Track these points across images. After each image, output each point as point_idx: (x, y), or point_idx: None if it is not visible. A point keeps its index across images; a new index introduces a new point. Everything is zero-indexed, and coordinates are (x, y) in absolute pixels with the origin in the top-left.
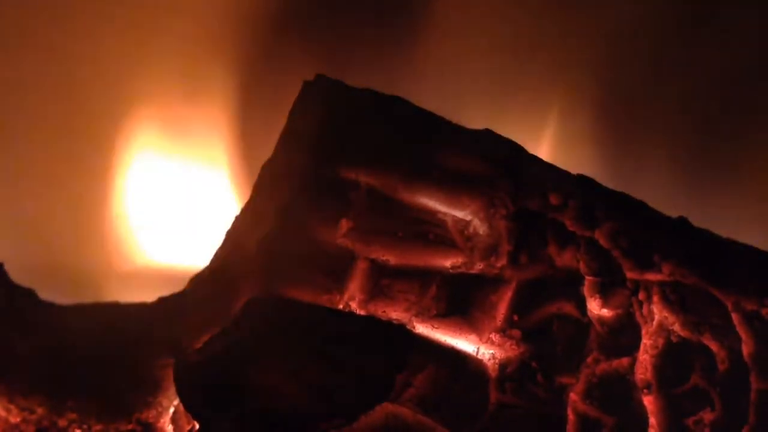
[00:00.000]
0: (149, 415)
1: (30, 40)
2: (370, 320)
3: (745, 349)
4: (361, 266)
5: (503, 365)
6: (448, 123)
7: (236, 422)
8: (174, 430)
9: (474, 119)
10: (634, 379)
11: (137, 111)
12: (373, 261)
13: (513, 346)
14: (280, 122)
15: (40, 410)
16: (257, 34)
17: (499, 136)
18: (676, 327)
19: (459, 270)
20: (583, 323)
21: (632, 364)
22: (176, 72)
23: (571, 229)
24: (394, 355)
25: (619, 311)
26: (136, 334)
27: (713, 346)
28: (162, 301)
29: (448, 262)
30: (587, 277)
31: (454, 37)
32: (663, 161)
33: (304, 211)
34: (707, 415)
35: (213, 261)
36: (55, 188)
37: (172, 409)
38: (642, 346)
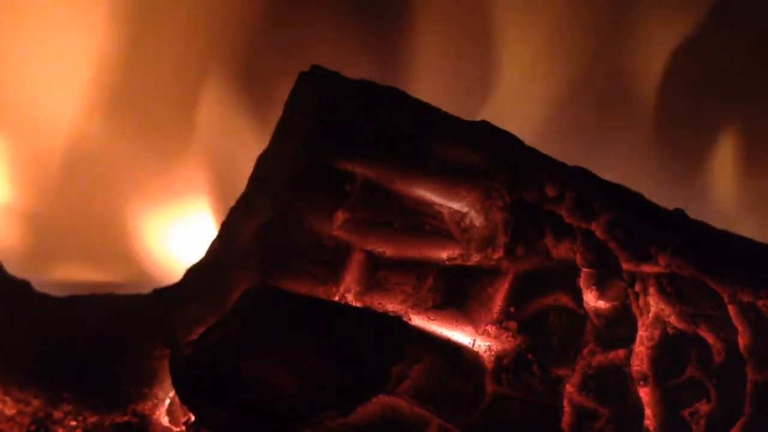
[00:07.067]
0: (145, 406)
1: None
2: (367, 312)
3: (742, 341)
4: (357, 258)
5: (499, 357)
6: (445, 114)
7: (232, 413)
8: (170, 421)
9: (471, 114)
10: (631, 370)
11: (129, 106)
12: (369, 253)
13: (509, 338)
14: (276, 113)
15: (35, 402)
16: (252, 25)
17: (496, 128)
18: (672, 319)
19: (455, 262)
20: (579, 315)
21: (628, 356)
22: (170, 66)
23: (567, 220)
24: (391, 347)
25: (616, 303)
26: (132, 325)
27: (709, 338)
28: (157, 292)
29: (445, 254)
30: (584, 269)
31: (452, 31)
32: (658, 154)
33: (299, 203)
34: (703, 407)
35: (208, 253)
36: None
37: (168, 401)
38: (638, 338)
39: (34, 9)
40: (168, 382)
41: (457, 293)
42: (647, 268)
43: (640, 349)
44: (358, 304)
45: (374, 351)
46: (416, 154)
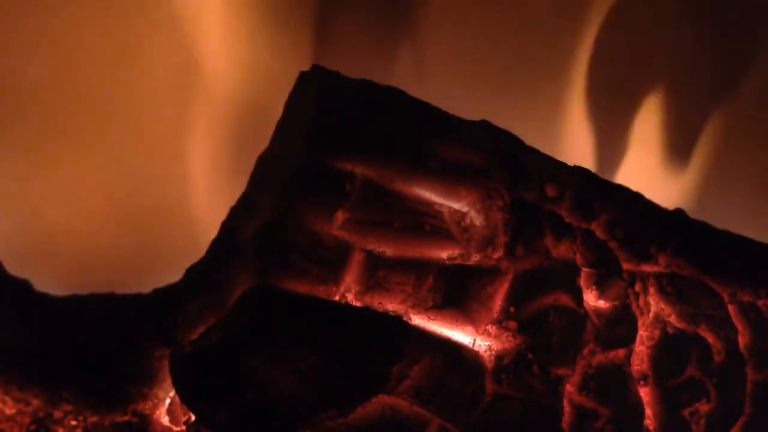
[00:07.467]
0: (145, 406)
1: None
2: (367, 312)
3: (741, 341)
4: (357, 258)
5: (499, 357)
6: (445, 114)
7: (232, 413)
8: (170, 421)
9: (471, 113)
10: (631, 370)
11: (128, 105)
12: (369, 252)
13: (509, 338)
14: (276, 113)
15: (35, 402)
16: (252, 25)
17: (496, 128)
18: (672, 318)
19: (455, 261)
20: (579, 315)
21: (628, 356)
22: (170, 65)
23: (567, 220)
24: (391, 347)
25: (616, 303)
26: (132, 325)
27: (709, 338)
28: (158, 292)
29: (445, 254)
30: (584, 269)
31: (454, 30)
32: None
33: (299, 203)
34: (703, 407)
35: (209, 252)
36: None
37: (168, 401)
38: (638, 338)
39: None
40: (168, 382)
41: (457, 293)
42: (647, 268)
43: (640, 348)
44: (358, 304)
45: (374, 351)
46: (416, 154)
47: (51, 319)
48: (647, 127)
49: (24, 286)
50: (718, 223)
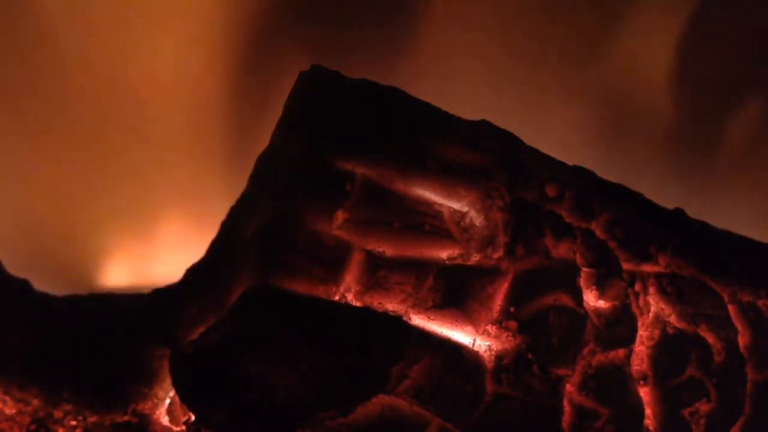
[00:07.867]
0: (145, 406)
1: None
2: (367, 312)
3: (741, 341)
4: (357, 257)
5: (499, 357)
6: (445, 114)
7: (232, 413)
8: (170, 421)
9: (472, 113)
10: (630, 370)
11: (129, 105)
12: (369, 252)
13: (509, 338)
14: (276, 113)
15: (35, 402)
16: (253, 24)
17: (497, 128)
18: (672, 318)
19: (455, 261)
20: (579, 315)
21: (628, 356)
22: (170, 64)
23: (567, 220)
24: (391, 347)
25: (616, 303)
26: (132, 325)
27: (709, 338)
28: (158, 292)
29: (445, 254)
30: (584, 269)
31: (454, 30)
32: (659, 154)
33: (300, 203)
34: (703, 407)
35: (209, 252)
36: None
37: (168, 400)
38: (638, 338)
39: None
40: (168, 381)
41: (457, 293)
42: (647, 268)
43: (640, 348)
44: (358, 304)
45: (374, 351)
46: (416, 154)
47: (51, 319)
48: (650, 125)
49: (24, 286)
50: (719, 223)
